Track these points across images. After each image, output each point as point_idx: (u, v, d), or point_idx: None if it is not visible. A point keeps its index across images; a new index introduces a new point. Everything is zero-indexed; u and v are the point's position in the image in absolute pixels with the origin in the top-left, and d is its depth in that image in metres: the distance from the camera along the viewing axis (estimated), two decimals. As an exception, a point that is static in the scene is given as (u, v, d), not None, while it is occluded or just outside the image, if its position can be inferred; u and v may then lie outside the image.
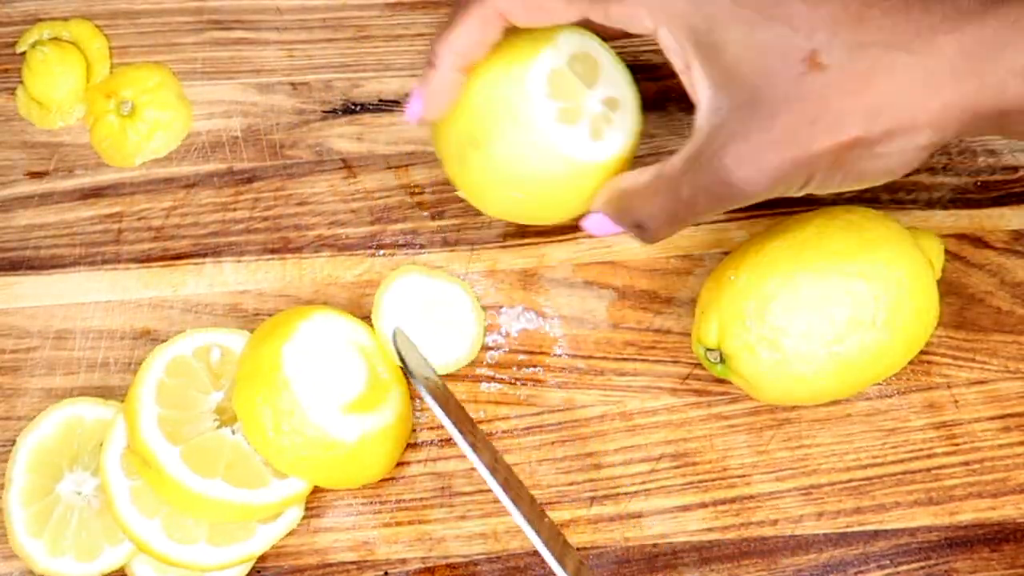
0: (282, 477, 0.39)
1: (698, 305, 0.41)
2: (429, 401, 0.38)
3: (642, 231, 0.35)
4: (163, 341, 0.42)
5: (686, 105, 0.49)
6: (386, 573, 0.41)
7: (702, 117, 0.32)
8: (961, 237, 0.46)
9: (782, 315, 0.38)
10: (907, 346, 0.39)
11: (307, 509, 0.42)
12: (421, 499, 0.42)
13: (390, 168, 0.48)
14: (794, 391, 0.39)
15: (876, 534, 0.42)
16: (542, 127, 0.35)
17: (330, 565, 0.41)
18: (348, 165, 0.48)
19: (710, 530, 0.42)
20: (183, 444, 0.38)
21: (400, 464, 0.42)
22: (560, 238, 0.46)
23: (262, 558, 0.41)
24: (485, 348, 0.44)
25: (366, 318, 0.44)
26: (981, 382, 0.44)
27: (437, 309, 0.43)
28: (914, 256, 0.39)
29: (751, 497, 0.42)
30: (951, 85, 0.30)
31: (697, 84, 0.32)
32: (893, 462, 0.43)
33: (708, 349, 0.40)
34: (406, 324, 0.42)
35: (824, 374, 0.38)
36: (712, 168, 0.31)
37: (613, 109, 0.37)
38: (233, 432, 0.40)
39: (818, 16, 0.30)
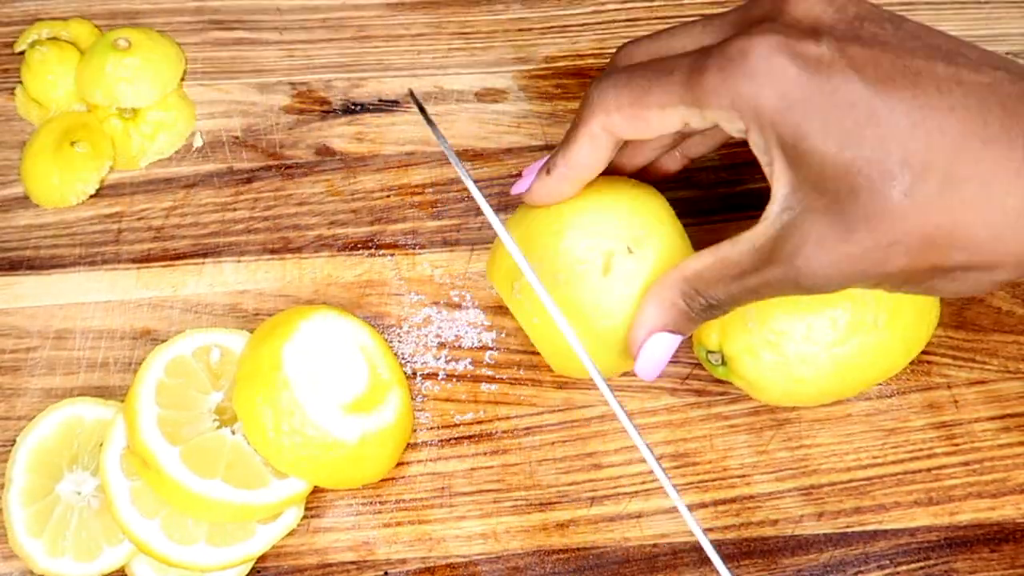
0: (282, 477, 0.39)
1: None
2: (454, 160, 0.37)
3: (713, 311, 0.34)
4: (163, 341, 0.42)
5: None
6: (386, 573, 0.41)
7: (774, 211, 0.31)
8: (961, 237, 0.46)
9: (783, 318, 0.38)
10: (908, 346, 0.39)
11: (307, 509, 0.42)
12: (421, 499, 0.42)
13: (390, 168, 0.48)
14: (795, 392, 0.39)
15: (876, 534, 0.42)
16: None
17: (330, 565, 0.41)
18: (348, 165, 0.48)
19: (710, 530, 0.42)
20: (183, 444, 0.38)
21: (400, 464, 0.42)
22: (560, 238, 0.46)
23: (262, 558, 0.41)
24: (485, 348, 0.44)
25: (366, 318, 0.44)
26: (981, 382, 0.44)
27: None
28: None
29: (751, 497, 0.42)
30: None
31: (776, 179, 0.31)
32: (893, 462, 0.43)
33: (710, 351, 0.40)
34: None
35: (825, 375, 0.38)
36: (784, 267, 0.31)
37: None
38: (233, 432, 0.40)
39: (912, 141, 0.28)
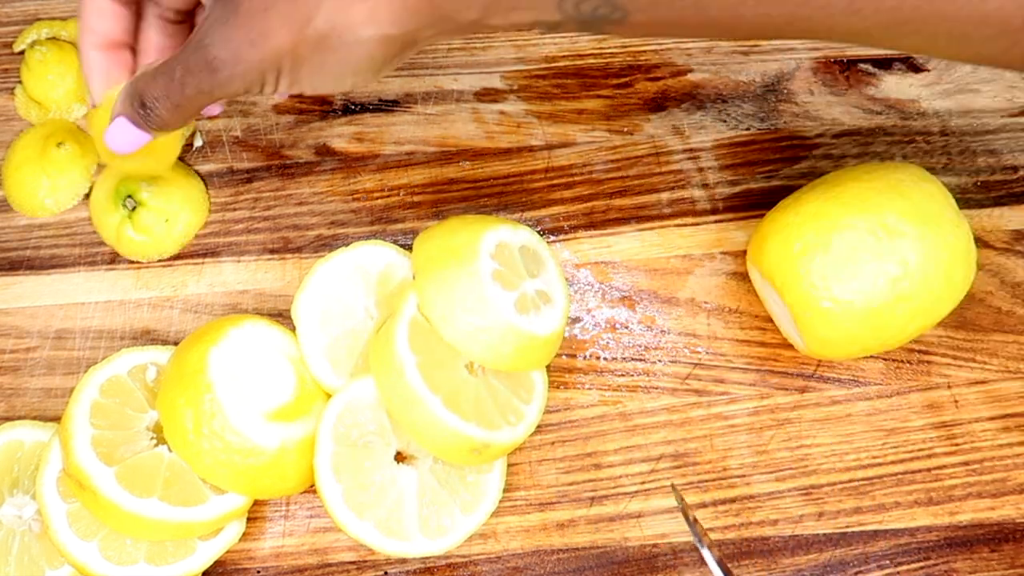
0: (220, 493, 0.39)
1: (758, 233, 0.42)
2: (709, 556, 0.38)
3: (146, 113, 0.36)
4: (163, 341, 0.42)
5: (687, 105, 0.49)
6: (386, 573, 0.41)
7: (205, 13, 0.35)
8: (961, 237, 0.46)
9: (825, 273, 0.39)
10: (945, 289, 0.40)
11: (308, 509, 0.42)
12: (421, 499, 0.42)
13: (390, 168, 0.48)
14: (850, 329, 0.40)
15: (876, 534, 0.42)
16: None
17: (330, 565, 0.41)
18: (348, 165, 0.48)
19: (710, 530, 0.42)
20: (118, 464, 0.38)
21: (400, 464, 0.42)
22: (558, 239, 0.46)
23: (263, 560, 0.41)
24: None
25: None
26: (981, 382, 0.44)
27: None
28: (939, 198, 0.40)
29: (751, 497, 0.42)
30: None
31: None
32: (893, 462, 0.43)
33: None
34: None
35: (874, 306, 0.39)
36: (197, 50, 0.34)
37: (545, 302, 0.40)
38: (170, 450, 0.39)
39: None
